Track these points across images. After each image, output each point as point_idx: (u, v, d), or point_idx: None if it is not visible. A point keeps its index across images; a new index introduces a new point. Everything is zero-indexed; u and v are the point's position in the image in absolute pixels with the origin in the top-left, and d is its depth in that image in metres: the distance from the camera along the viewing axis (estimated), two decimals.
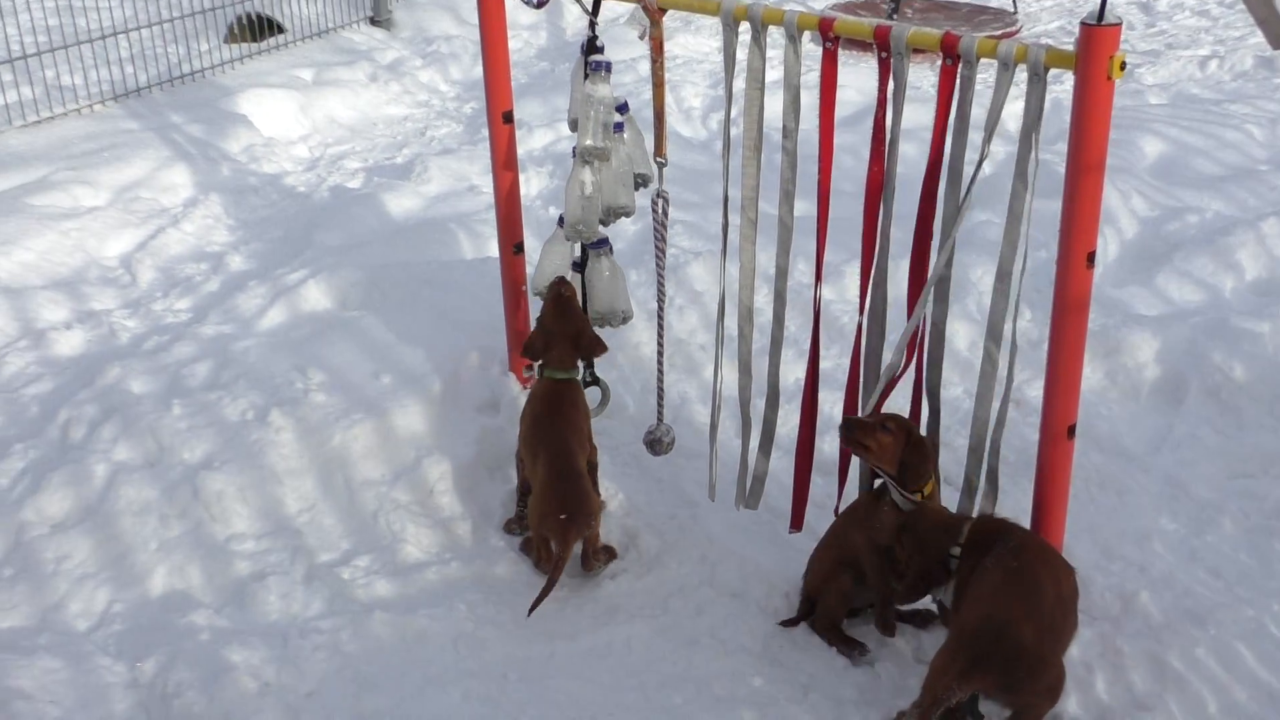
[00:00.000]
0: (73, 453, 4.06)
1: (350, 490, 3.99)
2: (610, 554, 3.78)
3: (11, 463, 4.07)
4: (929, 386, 3.34)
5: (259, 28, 8.40)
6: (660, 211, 3.71)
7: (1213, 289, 5.09)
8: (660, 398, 3.93)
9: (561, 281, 3.92)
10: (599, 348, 3.93)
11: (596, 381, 4.10)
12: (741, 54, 3.37)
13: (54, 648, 3.39)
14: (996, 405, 3.22)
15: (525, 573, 3.78)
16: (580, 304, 3.99)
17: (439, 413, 4.24)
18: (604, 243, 3.98)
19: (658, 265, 3.80)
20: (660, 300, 3.85)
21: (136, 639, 3.45)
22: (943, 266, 3.11)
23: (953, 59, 2.96)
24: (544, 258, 4.05)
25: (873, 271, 3.29)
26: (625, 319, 4.09)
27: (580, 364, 3.97)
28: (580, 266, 4.03)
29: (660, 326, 3.86)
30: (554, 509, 3.59)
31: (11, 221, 5.63)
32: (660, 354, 3.88)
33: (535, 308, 4.36)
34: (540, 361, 3.91)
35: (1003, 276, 3.06)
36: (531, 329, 4.02)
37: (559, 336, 3.86)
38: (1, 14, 7.42)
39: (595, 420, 4.03)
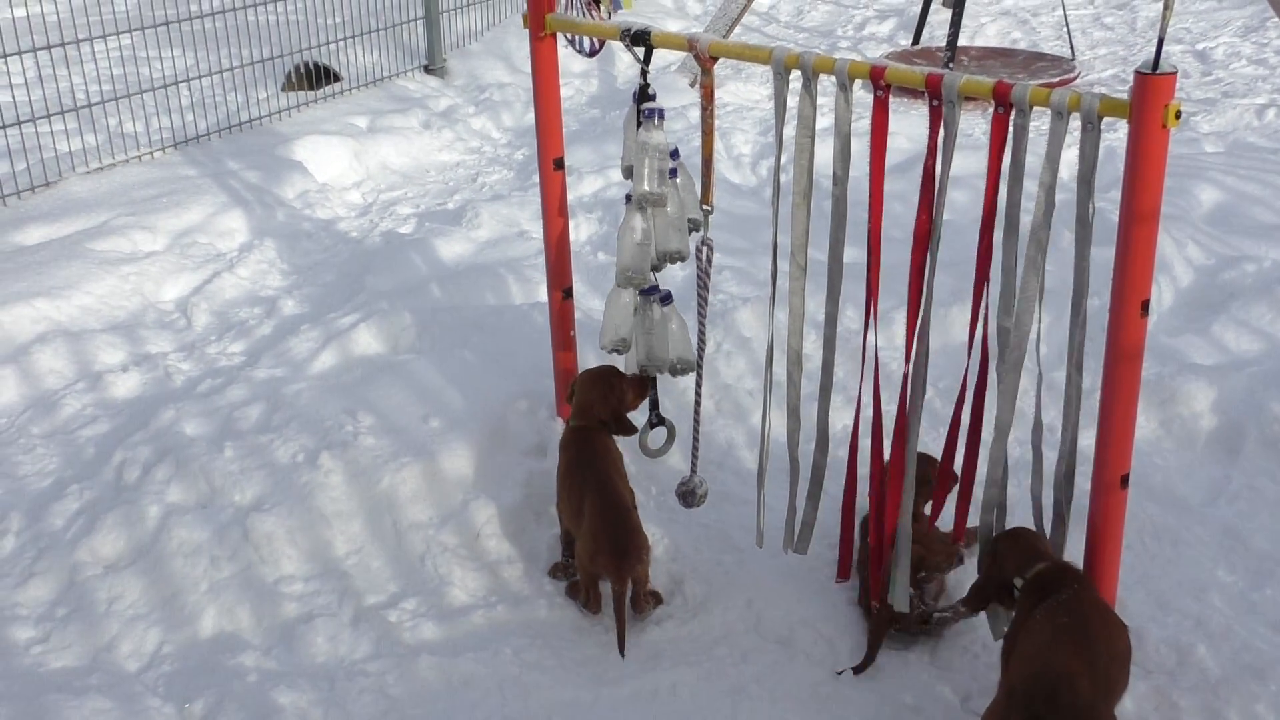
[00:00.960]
0: (126, 494, 4.11)
1: (398, 533, 4.01)
2: (657, 599, 3.77)
3: (67, 504, 4.14)
4: (994, 451, 3.29)
5: (316, 76, 8.57)
6: (704, 259, 3.71)
7: (1271, 338, 5.01)
8: (695, 449, 3.92)
9: (640, 381, 3.98)
10: (623, 429, 3.97)
11: (662, 422, 4.10)
12: (792, 101, 3.38)
13: (105, 688, 3.42)
14: (1056, 452, 3.18)
15: (571, 617, 3.76)
16: (634, 400, 4.01)
17: (486, 456, 4.25)
18: (656, 289, 3.96)
19: (699, 314, 3.79)
20: (700, 349, 3.84)
21: (186, 680, 3.48)
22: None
23: (1005, 107, 2.96)
24: (609, 309, 4.03)
25: (919, 322, 3.27)
26: (686, 369, 4.00)
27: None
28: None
29: (699, 376, 3.85)
30: (605, 546, 3.57)
31: (73, 266, 5.75)
32: (698, 404, 3.87)
33: (582, 353, 4.38)
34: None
35: (1073, 320, 3.05)
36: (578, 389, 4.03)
37: (586, 403, 3.93)
38: (68, 63, 7.62)
39: (657, 460, 4.01)
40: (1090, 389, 4.57)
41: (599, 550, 3.58)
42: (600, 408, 3.91)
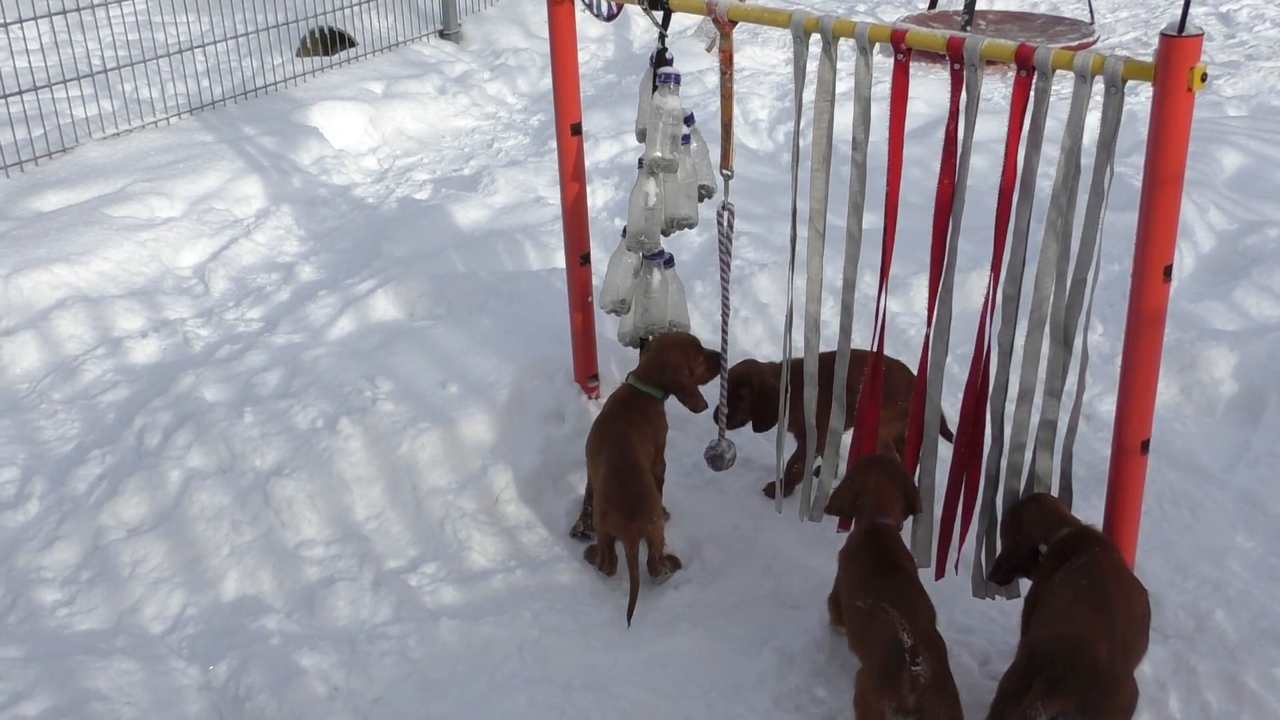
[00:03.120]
0: (148, 459, 4.14)
1: (417, 498, 4.03)
2: (675, 564, 3.78)
3: (89, 468, 4.17)
4: (993, 411, 3.28)
5: (331, 41, 8.54)
6: (725, 224, 3.70)
7: None
8: (722, 412, 3.92)
9: (714, 357, 3.92)
10: (693, 401, 3.91)
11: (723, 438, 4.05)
12: (811, 66, 3.36)
13: (130, 650, 3.46)
14: (1066, 417, 3.17)
15: (590, 581, 3.79)
16: (703, 372, 3.96)
17: (505, 422, 4.27)
18: (661, 254, 3.97)
19: (722, 278, 3.79)
20: (725, 313, 3.84)
21: (209, 642, 3.52)
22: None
23: (1027, 71, 2.93)
24: (611, 270, 4.07)
25: (940, 285, 3.26)
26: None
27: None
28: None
29: (724, 339, 3.86)
30: (615, 504, 3.61)
31: (91, 232, 5.77)
32: (723, 369, 3.88)
33: (599, 319, 4.38)
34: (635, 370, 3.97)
35: (1077, 284, 3.02)
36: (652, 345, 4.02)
37: (660, 364, 3.88)
38: (84, 29, 7.61)
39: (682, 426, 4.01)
40: (1111, 354, 4.57)
41: (609, 508, 3.62)
42: (671, 373, 3.88)
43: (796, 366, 3.67)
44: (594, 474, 3.81)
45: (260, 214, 6.32)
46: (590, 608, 3.67)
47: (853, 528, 3.40)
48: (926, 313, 3.32)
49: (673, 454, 4.23)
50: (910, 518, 3.40)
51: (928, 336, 3.31)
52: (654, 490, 3.72)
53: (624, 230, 3.97)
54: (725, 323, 3.85)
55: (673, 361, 3.88)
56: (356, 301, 5.12)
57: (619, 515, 3.59)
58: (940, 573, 3.49)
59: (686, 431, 4.35)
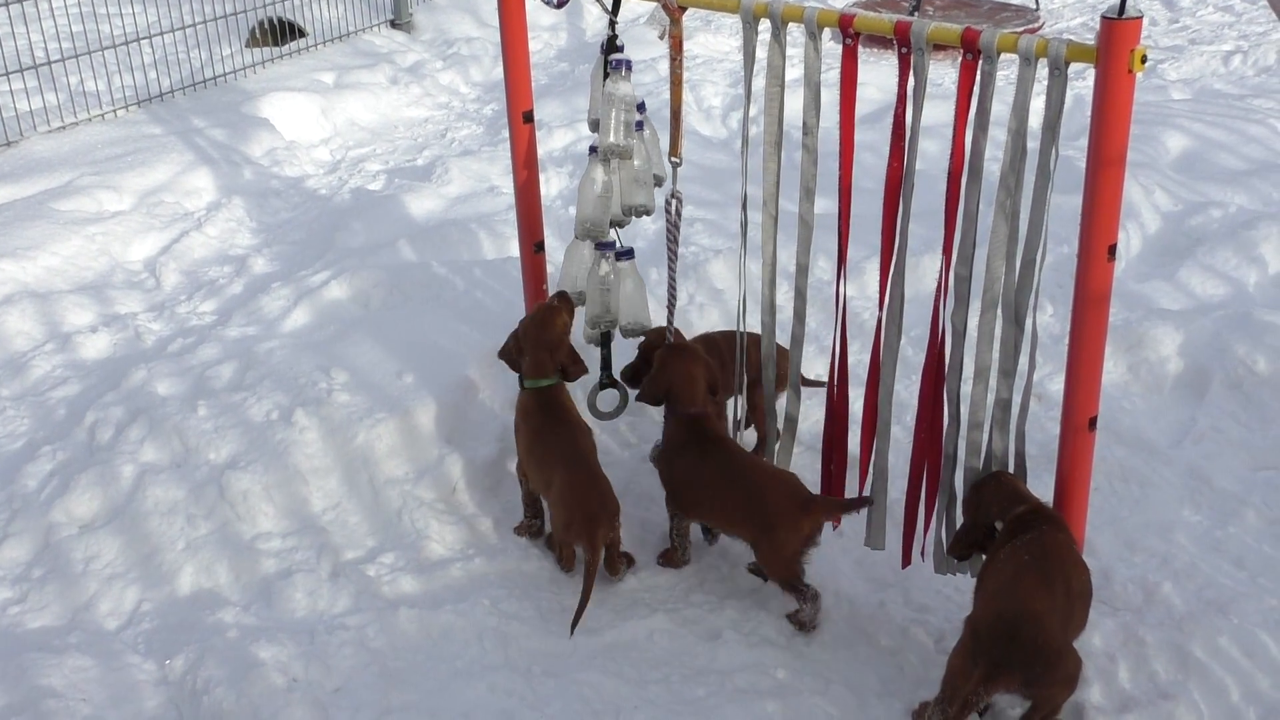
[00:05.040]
0: (100, 454, 4.10)
1: (374, 488, 4.02)
2: (630, 560, 3.79)
3: (40, 465, 4.13)
4: (949, 392, 3.32)
5: (280, 32, 8.46)
6: (674, 213, 3.71)
7: (1236, 283, 5.08)
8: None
9: (562, 296, 3.87)
10: (577, 368, 3.84)
11: (615, 384, 4.08)
12: (761, 52, 3.38)
13: (84, 646, 3.43)
14: (1019, 397, 3.22)
15: (548, 568, 3.80)
16: (568, 319, 3.87)
17: (460, 411, 4.26)
18: (612, 245, 3.93)
19: (670, 266, 3.80)
20: (671, 302, 3.84)
21: (166, 637, 3.49)
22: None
23: (973, 54, 2.97)
24: (567, 261, 4.05)
25: (892, 267, 3.29)
26: (636, 331, 3.98)
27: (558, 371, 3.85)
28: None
29: (670, 327, 3.87)
30: (579, 515, 3.58)
31: (37, 226, 5.69)
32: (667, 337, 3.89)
33: None
34: (520, 374, 3.85)
35: (1026, 265, 3.06)
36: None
37: (536, 346, 3.79)
38: (25, 21, 7.50)
39: (614, 422, 4.01)
40: (1061, 334, 4.63)
41: (572, 520, 3.59)
42: (550, 353, 3.77)
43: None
44: (542, 484, 3.75)
45: (211, 206, 6.26)
46: (549, 594, 3.68)
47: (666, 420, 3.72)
48: (879, 296, 3.35)
49: (626, 438, 4.24)
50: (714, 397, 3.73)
51: (880, 319, 3.35)
52: (613, 495, 3.68)
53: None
54: (671, 311, 3.86)
55: (542, 340, 3.79)
56: (310, 293, 5.09)
57: (583, 525, 3.56)
58: (907, 560, 3.52)
59: (640, 418, 4.37)
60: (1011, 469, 3.33)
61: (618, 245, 3.88)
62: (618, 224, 3.89)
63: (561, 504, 3.64)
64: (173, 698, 3.30)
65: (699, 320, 4.86)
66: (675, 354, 3.71)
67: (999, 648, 2.86)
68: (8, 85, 6.96)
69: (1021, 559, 3.00)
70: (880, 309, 3.33)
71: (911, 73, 3.09)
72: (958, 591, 3.57)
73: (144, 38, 7.78)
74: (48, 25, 7.83)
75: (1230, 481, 3.98)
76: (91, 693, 3.28)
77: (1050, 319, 4.78)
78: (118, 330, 5.09)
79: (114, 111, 7.18)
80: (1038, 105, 2.87)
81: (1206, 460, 4.08)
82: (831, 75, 5.36)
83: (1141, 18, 2.69)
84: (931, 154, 5.03)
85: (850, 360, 4.08)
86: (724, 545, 3.82)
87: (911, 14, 8.55)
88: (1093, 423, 3.14)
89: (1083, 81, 6.24)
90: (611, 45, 3.71)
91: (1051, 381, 4.41)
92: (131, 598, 3.65)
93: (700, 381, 3.68)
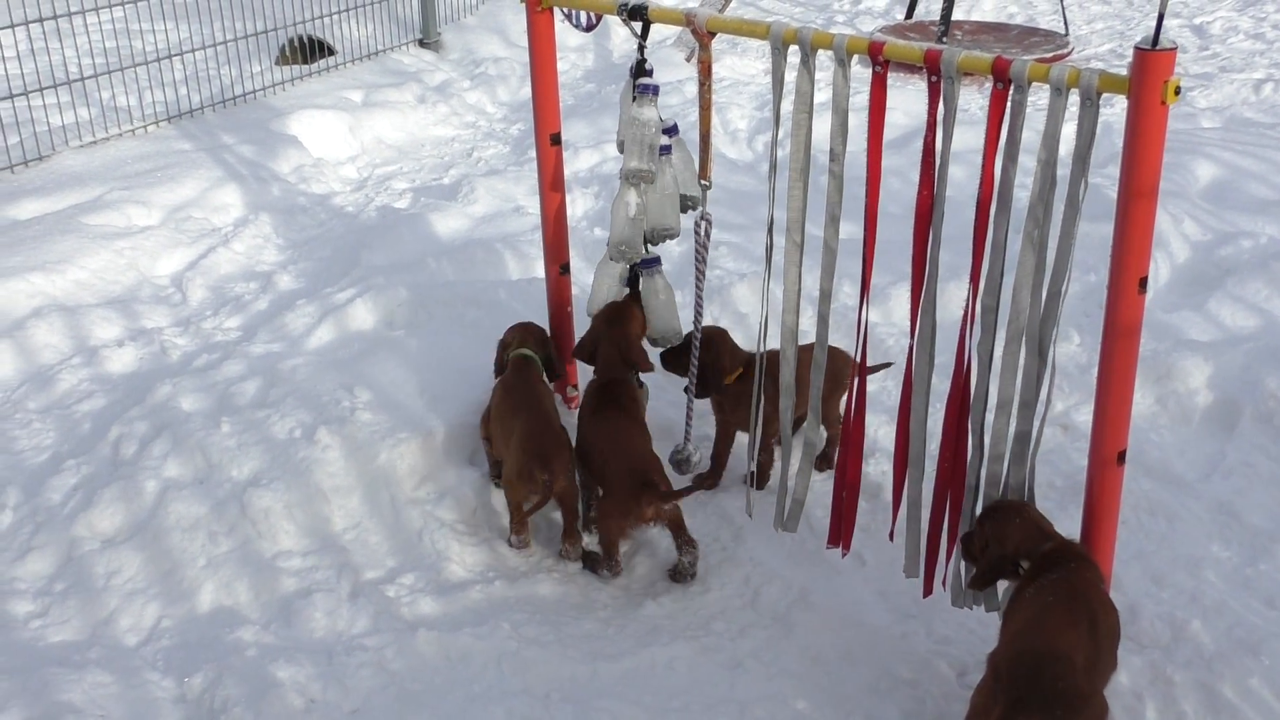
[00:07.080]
0: (124, 469, 4.11)
1: (395, 508, 4.02)
2: (581, 552, 3.89)
3: (64, 478, 4.14)
4: (973, 423, 3.29)
5: (310, 50, 8.52)
6: (703, 234, 3.72)
7: (1267, 314, 5.02)
8: (689, 419, 3.94)
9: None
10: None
11: (640, 386, 4.12)
12: (790, 77, 3.37)
13: (104, 662, 3.43)
14: (1037, 424, 3.18)
15: (569, 593, 3.78)
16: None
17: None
18: (655, 262, 4.00)
19: (697, 287, 3.81)
20: (697, 323, 3.86)
21: (185, 654, 3.49)
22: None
23: (1004, 83, 2.94)
24: (597, 281, 4.07)
25: (922, 297, 3.26)
26: (669, 340, 4.10)
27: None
28: (631, 285, 4.06)
29: (696, 349, 3.87)
30: (530, 457, 3.73)
31: (67, 240, 5.73)
32: (693, 375, 3.91)
33: (579, 330, 4.38)
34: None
35: (1051, 297, 3.03)
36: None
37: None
38: (60, 36, 7.58)
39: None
40: (1088, 365, 4.59)
41: (524, 466, 3.74)
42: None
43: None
44: (504, 445, 3.91)
45: (239, 222, 6.30)
46: (570, 619, 3.66)
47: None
48: (908, 323, 3.32)
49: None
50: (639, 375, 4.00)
51: (910, 347, 3.32)
52: (567, 440, 3.87)
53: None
54: (697, 332, 3.86)
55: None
56: (335, 311, 5.10)
57: (535, 466, 3.72)
58: (929, 589, 3.48)
59: (667, 439, 4.35)
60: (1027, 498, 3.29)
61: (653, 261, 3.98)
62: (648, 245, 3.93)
63: (518, 449, 3.78)
64: (190, 716, 3.29)
65: None
66: (611, 318, 4.00)
67: (1020, 687, 2.81)
68: (41, 100, 7.03)
69: (1047, 598, 2.95)
70: (911, 336, 3.31)
71: (941, 101, 3.07)
72: (981, 624, 3.53)
73: (175, 54, 7.85)
74: (81, 41, 7.91)
75: (1261, 517, 3.92)
76: (110, 709, 3.27)
77: (1077, 349, 4.74)
78: (144, 345, 5.11)
79: (144, 127, 7.23)
80: (1067, 133, 2.85)
81: (1236, 495, 4.03)
82: (859, 99, 5.37)
83: (1175, 49, 2.67)
84: (958, 179, 5.00)
85: (872, 388, 4.06)
86: (746, 572, 3.78)
87: (940, 40, 8.54)
88: (1122, 456, 3.10)
89: (1111, 109, 6.21)
90: (640, 69, 3.72)
91: (1078, 412, 4.37)
92: (152, 614, 3.65)
93: (630, 349, 3.96)
